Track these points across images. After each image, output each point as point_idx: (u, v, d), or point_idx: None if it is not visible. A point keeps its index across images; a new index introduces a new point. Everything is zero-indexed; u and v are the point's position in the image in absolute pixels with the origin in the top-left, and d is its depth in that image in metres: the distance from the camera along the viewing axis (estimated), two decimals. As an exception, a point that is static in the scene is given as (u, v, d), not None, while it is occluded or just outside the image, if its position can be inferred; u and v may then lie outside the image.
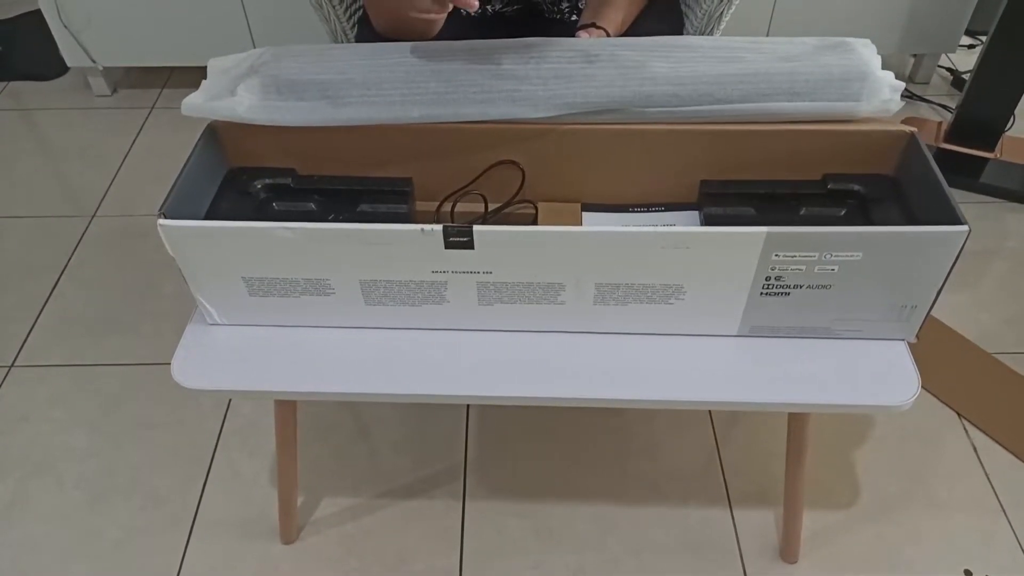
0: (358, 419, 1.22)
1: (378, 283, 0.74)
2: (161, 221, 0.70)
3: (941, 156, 1.66)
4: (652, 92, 0.77)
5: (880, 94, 0.77)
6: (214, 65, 0.82)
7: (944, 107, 1.84)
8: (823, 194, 0.81)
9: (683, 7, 1.14)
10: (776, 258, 0.70)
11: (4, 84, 2.00)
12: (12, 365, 1.31)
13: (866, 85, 0.77)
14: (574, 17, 1.09)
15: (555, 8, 1.09)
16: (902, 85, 0.78)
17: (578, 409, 1.20)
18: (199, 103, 0.78)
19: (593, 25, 0.93)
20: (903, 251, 0.68)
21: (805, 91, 0.77)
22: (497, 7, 1.08)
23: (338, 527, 1.09)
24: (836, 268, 0.70)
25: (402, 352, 0.77)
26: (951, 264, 0.69)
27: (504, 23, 1.10)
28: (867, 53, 0.79)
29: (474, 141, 0.80)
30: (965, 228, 0.67)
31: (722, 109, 0.78)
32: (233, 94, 0.78)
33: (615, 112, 0.78)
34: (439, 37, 0.84)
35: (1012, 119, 1.63)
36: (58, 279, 1.46)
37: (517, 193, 0.83)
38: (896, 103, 0.78)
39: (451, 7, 0.79)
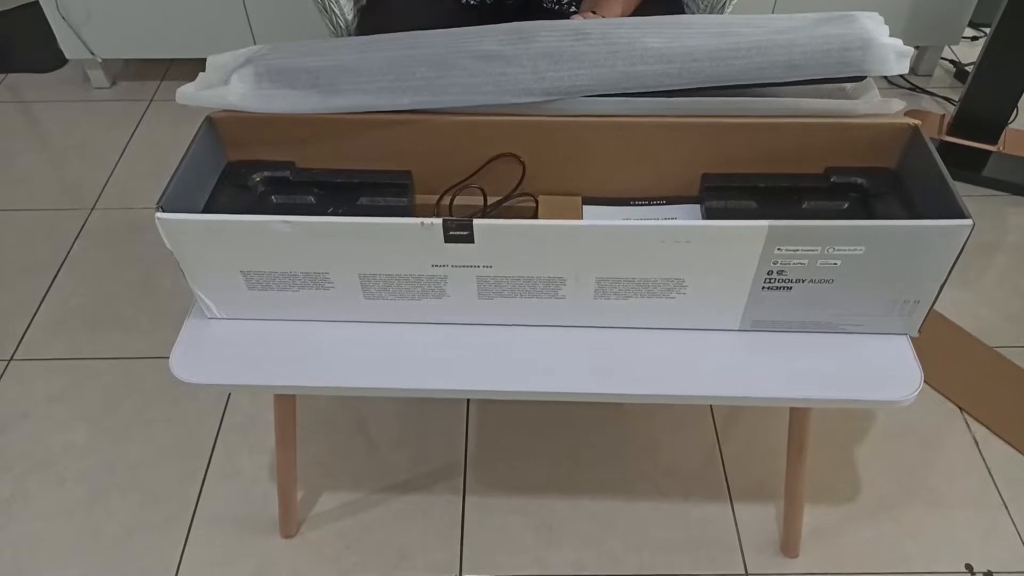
0: (358, 414, 1.22)
1: (377, 277, 0.74)
2: (159, 215, 0.70)
3: (943, 149, 1.65)
4: (643, 71, 0.75)
5: (884, 62, 0.74)
6: (213, 61, 0.82)
7: (947, 100, 1.83)
8: (825, 187, 0.80)
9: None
10: (778, 252, 0.69)
11: (2, 76, 1.99)
12: (11, 359, 1.31)
13: (868, 53, 0.74)
14: (573, 8, 1.08)
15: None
16: (910, 51, 0.75)
17: (579, 405, 1.20)
18: (193, 92, 0.78)
19: (592, 12, 0.92)
20: (906, 245, 0.68)
21: (802, 63, 0.74)
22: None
23: (338, 522, 1.09)
24: (838, 262, 0.70)
25: (402, 346, 0.77)
26: (955, 258, 0.69)
27: (502, 13, 1.10)
28: (871, 23, 0.76)
29: (474, 134, 0.79)
30: (969, 222, 0.66)
31: (724, 103, 0.77)
32: (226, 83, 0.78)
33: (605, 97, 0.76)
34: (437, 26, 0.83)
35: (1015, 112, 1.62)
36: (57, 272, 1.46)
37: (517, 186, 0.82)
38: (897, 103, 0.76)
39: None
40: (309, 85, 0.77)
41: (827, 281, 0.71)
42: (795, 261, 0.70)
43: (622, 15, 0.95)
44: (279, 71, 0.78)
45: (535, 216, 0.83)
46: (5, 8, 2.18)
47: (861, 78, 0.77)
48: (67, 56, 1.85)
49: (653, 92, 0.77)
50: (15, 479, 1.15)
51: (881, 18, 0.77)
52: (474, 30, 0.79)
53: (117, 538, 1.08)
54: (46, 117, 1.86)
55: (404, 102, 0.77)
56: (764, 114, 0.78)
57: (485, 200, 0.82)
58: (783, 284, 0.72)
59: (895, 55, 0.74)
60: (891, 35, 0.75)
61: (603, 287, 0.73)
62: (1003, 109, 1.61)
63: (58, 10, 1.74)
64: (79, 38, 1.80)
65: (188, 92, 0.78)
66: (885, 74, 0.74)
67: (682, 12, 1.11)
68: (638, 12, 0.99)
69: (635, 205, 0.85)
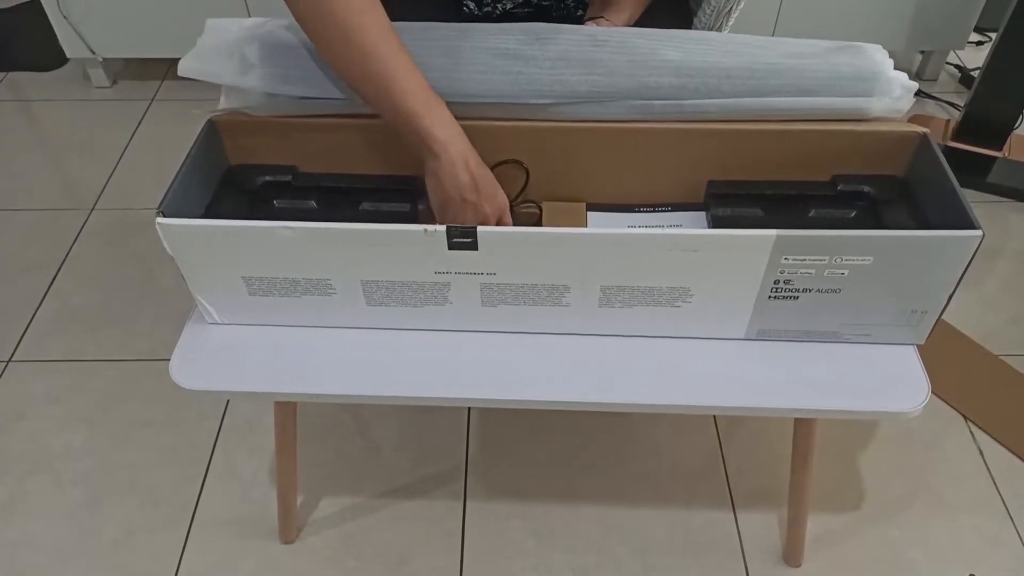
0: (358, 418, 1.21)
1: (380, 283, 0.73)
2: (159, 220, 0.69)
3: (948, 154, 1.62)
4: (659, 83, 0.75)
5: (892, 94, 0.76)
6: (212, 26, 0.79)
7: (952, 105, 1.82)
8: (832, 195, 0.80)
9: (691, 2, 1.12)
10: (785, 261, 0.68)
11: (3, 75, 1.98)
12: (10, 360, 1.30)
13: (878, 85, 0.76)
14: (580, 12, 1.08)
15: (561, 4, 1.07)
16: (915, 86, 0.76)
17: (581, 411, 1.19)
18: (198, 67, 0.76)
19: (602, 18, 0.92)
20: (915, 255, 0.67)
21: (815, 88, 0.76)
22: (508, 7, 1.06)
23: (338, 527, 1.08)
24: (846, 272, 0.69)
25: (404, 354, 0.76)
26: (964, 269, 0.68)
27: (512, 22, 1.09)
28: (879, 56, 0.78)
29: (479, 139, 0.79)
30: (979, 232, 0.66)
31: (729, 104, 0.76)
32: (231, 58, 0.76)
33: (619, 101, 0.76)
34: None
35: (1021, 118, 1.61)
36: (56, 273, 1.45)
37: (521, 192, 0.82)
38: (908, 101, 0.76)
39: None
40: (321, 69, 0.76)
41: (834, 291, 0.71)
42: (802, 270, 0.69)
43: (629, 20, 0.94)
44: (291, 52, 0.76)
45: (539, 223, 0.82)
46: (6, 6, 2.17)
47: None
48: (68, 55, 1.84)
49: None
50: (14, 481, 1.14)
51: (886, 52, 0.79)
52: (490, 26, 0.78)
53: (116, 541, 1.07)
54: (46, 116, 1.85)
55: None
56: (771, 119, 0.77)
57: None
58: (790, 293, 0.71)
59: (901, 89, 0.76)
60: (896, 40, 0.76)
61: (608, 295, 0.73)
62: (1009, 114, 1.60)
63: (59, 9, 1.73)
64: (80, 37, 1.79)
65: (192, 67, 0.76)
66: (889, 104, 0.76)
67: (688, 20, 1.10)
68: (644, 18, 0.98)
69: (640, 212, 0.84)
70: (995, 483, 1.12)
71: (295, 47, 0.77)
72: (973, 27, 1.77)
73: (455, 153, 0.71)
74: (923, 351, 0.76)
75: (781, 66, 0.76)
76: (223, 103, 0.78)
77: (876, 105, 0.76)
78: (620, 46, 0.76)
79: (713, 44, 0.78)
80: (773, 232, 0.66)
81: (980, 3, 1.72)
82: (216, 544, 1.07)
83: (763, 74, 0.75)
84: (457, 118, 0.76)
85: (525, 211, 0.83)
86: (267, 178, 0.82)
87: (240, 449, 1.17)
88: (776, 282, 0.70)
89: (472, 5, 0.99)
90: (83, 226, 1.55)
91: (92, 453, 1.17)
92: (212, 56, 0.77)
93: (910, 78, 0.77)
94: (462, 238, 0.68)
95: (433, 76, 0.75)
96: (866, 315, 0.73)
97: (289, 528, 1.06)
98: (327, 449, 1.17)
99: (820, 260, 0.68)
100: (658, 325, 0.75)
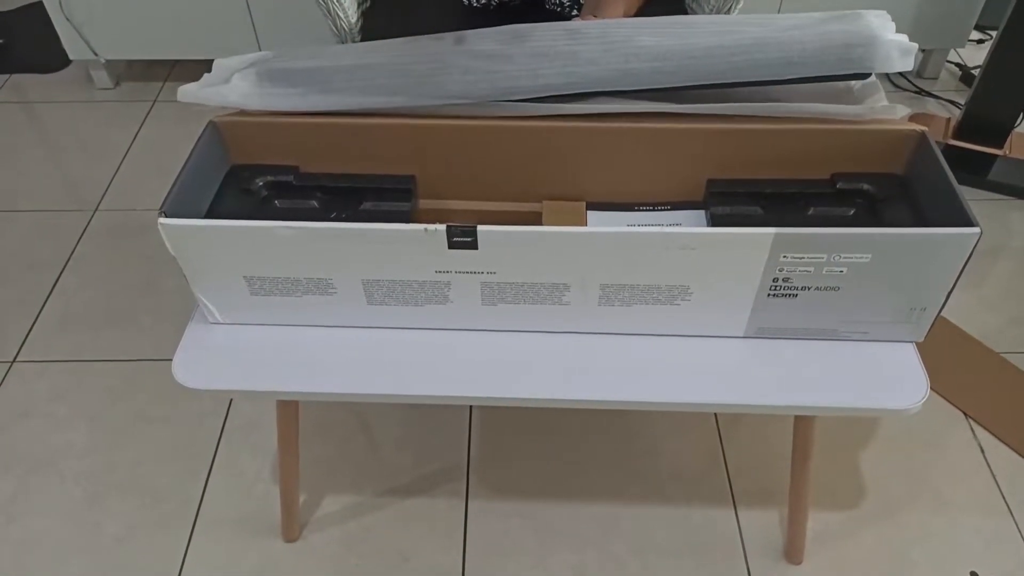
0: (360, 416, 1.22)
1: (381, 283, 0.74)
2: (162, 220, 0.69)
3: (949, 153, 1.64)
4: (638, 68, 0.74)
5: (888, 59, 0.72)
6: (219, 63, 0.82)
7: (952, 103, 1.82)
8: (832, 193, 0.80)
9: (689, 1, 1.13)
10: (784, 259, 0.69)
11: (6, 77, 1.99)
12: (14, 360, 1.31)
13: (871, 51, 0.72)
14: (574, 12, 1.08)
15: (556, 1, 1.08)
16: (914, 47, 0.73)
17: (582, 409, 1.19)
18: (194, 90, 0.79)
19: (591, 16, 0.92)
20: (913, 253, 0.67)
21: (802, 60, 0.72)
22: (504, -2, 1.07)
23: (340, 525, 1.09)
24: (845, 270, 0.69)
25: (405, 352, 0.76)
26: (962, 266, 0.68)
27: (506, 14, 1.09)
28: (877, 20, 0.74)
29: (477, 139, 0.79)
30: (976, 230, 0.66)
31: (729, 108, 0.76)
32: (227, 82, 0.78)
33: (604, 95, 0.76)
34: (442, 29, 0.83)
35: (1022, 116, 1.61)
36: (60, 273, 1.46)
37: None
38: (902, 108, 0.76)
39: None
40: (307, 84, 0.78)
41: (833, 288, 0.71)
42: (801, 268, 0.69)
43: (623, 17, 0.95)
44: (280, 71, 0.79)
45: (539, 222, 0.83)
46: (8, 8, 2.18)
47: (865, 76, 0.76)
48: (71, 57, 1.85)
49: (653, 91, 0.76)
50: (17, 479, 1.15)
51: (888, 15, 0.76)
52: (472, 32, 0.79)
53: (120, 539, 1.08)
54: (50, 118, 1.86)
55: (399, 100, 0.77)
56: (769, 119, 0.77)
57: None
58: (789, 291, 0.72)
59: (899, 52, 0.73)
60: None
61: (607, 294, 0.73)
62: (1009, 113, 1.60)
63: (62, 11, 1.74)
64: (83, 39, 1.80)
65: (190, 90, 0.79)
66: (888, 71, 0.73)
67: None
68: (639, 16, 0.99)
69: (640, 210, 0.85)
70: (996, 481, 1.12)
71: (282, 67, 0.79)
72: (974, 25, 1.77)
73: None
74: (923, 348, 0.76)
75: (766, 40, 0.73)
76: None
77: (867, 112, 0.76)
78: (598, 37, 0.76)
79: (699, 26, 0.76)
80: (772, 230, 0.66)
81: (981, 1, 1.72)
82: (219, 542, 1.07)
83: (746, 50, 0.73)
84: (455, 119, 0.77)
85: (525, 210, 0.83)
86: (269, 178, 0.82)
87: (243, 448, 1.18)
88: (775, 280, 0.71)
89: (471, -2, 1.00)
90: (86, 227, 1.56)
91: (95, 452, 1.18)
92: (209, 82, 0.80)
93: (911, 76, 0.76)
94: (462, 237, 0.68)
95: (414, 84, 0.76)
96: (865, 313, 0.73)
97: (292, 526, 1.06)
98: (329, 448, 1.18)
99: (819, 258, 0.68)
100: (658, 323, 0.76)
